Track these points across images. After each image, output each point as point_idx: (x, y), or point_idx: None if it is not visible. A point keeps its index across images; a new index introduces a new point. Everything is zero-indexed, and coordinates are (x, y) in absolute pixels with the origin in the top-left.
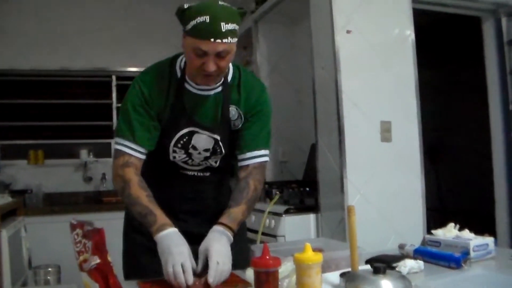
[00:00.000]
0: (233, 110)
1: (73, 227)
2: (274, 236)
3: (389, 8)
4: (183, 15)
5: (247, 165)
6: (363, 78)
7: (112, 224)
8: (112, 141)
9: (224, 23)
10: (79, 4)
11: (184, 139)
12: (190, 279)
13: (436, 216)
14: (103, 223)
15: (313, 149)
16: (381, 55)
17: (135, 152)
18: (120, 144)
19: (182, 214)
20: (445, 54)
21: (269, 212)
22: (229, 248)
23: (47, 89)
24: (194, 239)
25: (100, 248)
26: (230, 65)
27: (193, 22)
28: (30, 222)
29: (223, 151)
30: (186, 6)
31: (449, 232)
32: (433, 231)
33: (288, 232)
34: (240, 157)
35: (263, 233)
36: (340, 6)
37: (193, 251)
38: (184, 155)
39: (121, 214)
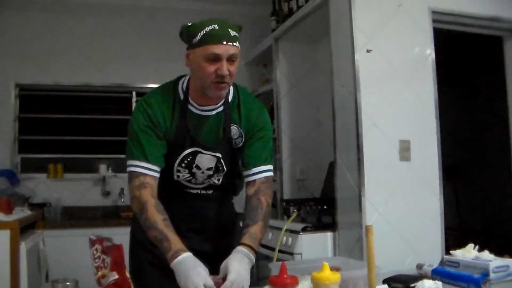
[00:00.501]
0: (234, 129)
1: (92, 242)
2: (291, 254)
3: (409, 27)
4: (188, 31)
5: (254, 181)
6: (382, 97)
7: (129, 239)
8: None
9: (231, 30)
10: (101, 22)
11: (188, 159)
12: None
13: (454, 236)
14: (121, 237)
15: (332, 167)
16: (401, 74)
17: (150, 171)
18: (134, 166)
19: (186, 232)
20: (465, 72)
21: (286, 230)
22: (248, 271)
23: (68, 104)
24: (198, 256)
25: (118, 264)
26: (231, 87)
27: (201, 33)
28: (49, 235)
29: (225, 169)
30: (189, 24)
31: (468, 253)
32: (452, 252)
33: (305, 250)
34: (246, 173)
35: (280, 251)
36: (361, 25)
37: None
38: (188, 174)
39: None
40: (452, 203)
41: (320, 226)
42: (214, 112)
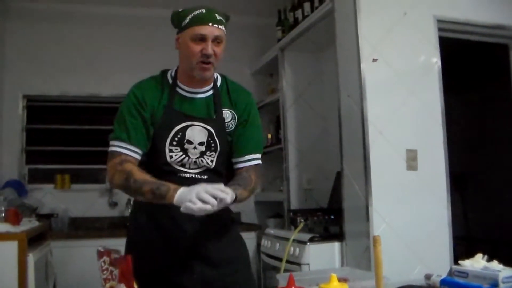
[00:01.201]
0: (227, 113)
1: (100, 254)
2: (299, 264)
3: (415, 36)
4: (179, 16)
5: (242, 167)
6: (388, 106)
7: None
8: None
9: (217, 14)
10: (108, 32)
11: (179, 135)
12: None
13: (462, 245)
14: None
15: (338, 176)
16: (407, 83)
17: (131, 152)
18: (116, 146)
19: (180, 218)
20: (471, 80)
21: (294, 240)
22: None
23: (75, 115)
24: (193, 243)
25: (126, 276)
26: (217, 74)
27: (190, 16)
28: (56, 246)
29: (218, 147)
30: (179, 10)
31: (477, 263)
32: (460, 262)
33: (313, 260)
34: (235, 160)
35: (287, 261)
36: (366, 34)
37: (188, 258)
38: (181, 153)
39: None
40: (460, 212)
41: (327, 236)
42: (203, 96)
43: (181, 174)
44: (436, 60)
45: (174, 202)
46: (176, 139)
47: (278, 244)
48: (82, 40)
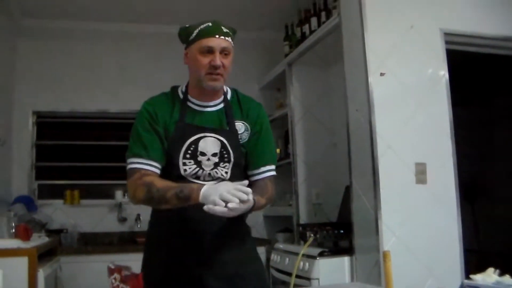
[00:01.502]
0: (239, 124)
1: (111, 271)
2: (308, 279)
3: (422, 49)
4: (186, 31)
5: (261, 179)
6: (397, 119)
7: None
8: None
9: (223, 27)
10: (117, 49)
11: (192, 148)
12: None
13: (473, 258)
14: (137, 264)
15: (347, 191)
16: (414, 96)
17: (149, 166)
18: (134, 163)
19: (198, 233)
20: (480, 91)
21: (303, 255)
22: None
23: (85, 131)
24: (210, 256)
25: None
26: (227, 87)
27: (197, 30)
28: (65, 261)
29: (231, 158)
30: (186, 25)
31: (489, 277)
32: (471, 276)
33: (323, 275)
34: (252, 172)
35: (297, 276)
36: (373, 48)
37: (206, 266)
38: (194, 166)
39: None
40: (471, 224)
41: (337, 250)
42: (214, 109)
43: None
44: (443, 73)
45: (199, 200)
46: (189, 151)
47: (287, 259)
48: (91, 56)
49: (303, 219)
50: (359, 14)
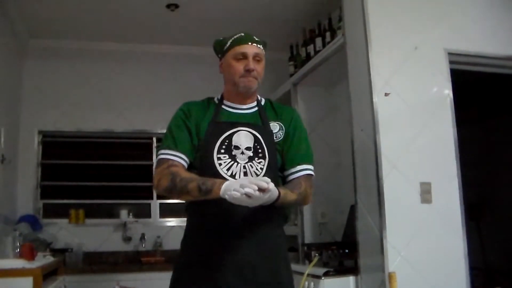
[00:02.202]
0: (274, 124)
1: None
2: None
3: (426, 69)
4: (220, 43)
5: (296, 178)
6: (402, 139)
7: (150, 285)
8: (152, 201)
9: (255, 37)
10: (123, 69)
11: (226, 142)
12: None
13: (480, 276)
14: (142, 283)
15: (352, 210)
16: (419, 115)
17: (177, 158)
18: (163, 154)
19: (232, 231)
20: (485, 110)
21: (308, 274)
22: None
23: (90, 150)
24: (243, 253)
25: None
26: (260, 96)
27: (230, 40)
28: (70, 281)
29: (266, 155)
30: (221, 38)
31: None
32: None
33: None
34: (288, 171)
35: None
36: (378, 68)
37: (238, 270)
38: (229, 160)
39: (159, 274)
40: (476, 242)
41: (342, 270)
42: (249, 111)
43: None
44: (448, 93)
45: (220, 194)
46: (224, 146)
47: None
48: (97, 76)
49: (308, 239)
50: (363, 35)
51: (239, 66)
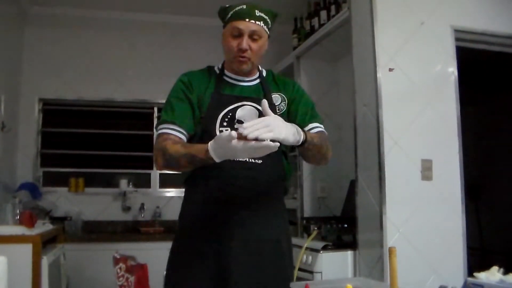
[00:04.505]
0: (276, 96)
1: (116, 261)
2: (311, 272)
3: (431, 45)
4: (224, 11)
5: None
6: (404, 115)
7: (149, 254)
8: (152, 171)
9: (258, 10)
10: (124, 38)
11: (229, 116)
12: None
13: (476, 255)
14: (141, 252)
15: (352, 185)
16: (423, 92)
17: (174, 131)
18: (161, 129)
19: (234, 206)
20: (488, 89)
21: (307, 248)
22: (290, 129)
23: (90, 119)
24: (248, 226)
25: (142, 284)
26: (262, 68)
27: (231, 11)
28: (69, 249)
29: None
30: (226, 5)
31: (493, 276)
32: (475, 274)
33: (325, 268)
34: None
35: (300, 269)
36: (383, 43)
37: (243, 237)
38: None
39: (158, 244)
40: (474, 222)
41: (340, 244)
42: (250, 83)
43: (234, 158)
44: (452, 70)
45: (209, 149)
46: (227, 119)
47: None
48: (98, 45)
49: (307, 213)
50: (369, 9)
51: (234, 43)
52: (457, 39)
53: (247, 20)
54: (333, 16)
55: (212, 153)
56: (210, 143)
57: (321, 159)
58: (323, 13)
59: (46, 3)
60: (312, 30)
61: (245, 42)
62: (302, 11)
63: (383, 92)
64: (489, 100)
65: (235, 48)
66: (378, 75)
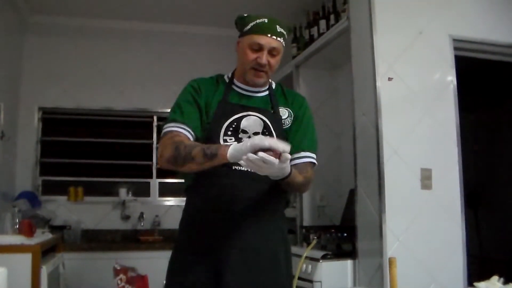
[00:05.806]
0: (283, 110)
1: (116, 272)
2: (311, 282)
3: (430, 54)
4: (243, 20)
5: (301, 163)
6: (403, 124)
7: (148, 263)
8: (151, 180)
9: (279, 26)
10: (123, 47)
11: (233, 125)
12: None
13: (476, 264)
14: (140, 261)
15: (352, 194)
16: (422, 101)
17: (183, 130)
18: (169, 127)
19: (233, 215)
20: (487, 98)
21: (306, 257)
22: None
23: (90, 128)
24: (246, 236)
25: None
26: (271, 81)
27: (252, 24)
28: (68, 258)
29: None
30: (245, 15)
31: (493, 285)
32: (475, 284)
33: (325, 277)
34: (292, 156)
35: (299, 278)
36: (382, 53)
37: (241, 247)
38: (235, 143)
39: (157, 253)
40: (473, 230)
41: (340, 253)
42: (259, 95)
43: (236, 167)
44: (451, 79)
45: (228, 156)
46: (231, 128)
47: None
48: (97, 54)
49: (306, 221)
50: (368, 18)
51: (252, 56)
52: (455, 48)
53: (268, 35)
54: (332, 25)
55: (229, 153)
56: (233, 146)
57: (293, 191)
58: (322, 23)
59: (46, 12)
60: (311, 40)
61: (265, 58)
62: (301, 21)
63: (382, 101)
64: (489, 109)
65: (253, 61)
66: (377, 84)
